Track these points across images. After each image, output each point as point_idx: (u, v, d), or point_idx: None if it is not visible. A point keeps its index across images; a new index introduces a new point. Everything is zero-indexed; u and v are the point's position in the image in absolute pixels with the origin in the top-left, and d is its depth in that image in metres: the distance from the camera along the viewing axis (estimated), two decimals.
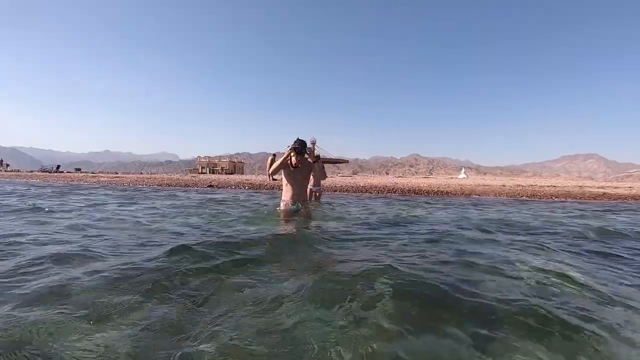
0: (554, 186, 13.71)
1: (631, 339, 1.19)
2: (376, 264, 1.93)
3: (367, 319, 1.28)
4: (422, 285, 1.61)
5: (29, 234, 2.67)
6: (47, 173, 21.03)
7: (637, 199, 9.56)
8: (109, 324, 1.24)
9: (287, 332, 1.19)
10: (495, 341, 1.16)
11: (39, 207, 4.35)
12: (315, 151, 4.49)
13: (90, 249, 2.21)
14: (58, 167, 26.95)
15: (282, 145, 3.44)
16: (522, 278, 1.78)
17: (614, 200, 9.49)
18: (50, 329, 1.17)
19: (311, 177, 4.43)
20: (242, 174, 35.30)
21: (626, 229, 3.58)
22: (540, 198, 9.73)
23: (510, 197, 9.83)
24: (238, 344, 1.11)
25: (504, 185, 13.47)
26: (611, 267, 2.18)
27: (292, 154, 3.30)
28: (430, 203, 7.11)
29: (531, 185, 14.64)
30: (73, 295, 1.45)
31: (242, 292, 1.55)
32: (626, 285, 1.81)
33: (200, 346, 1.09)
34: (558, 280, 1.74)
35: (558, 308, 1.39)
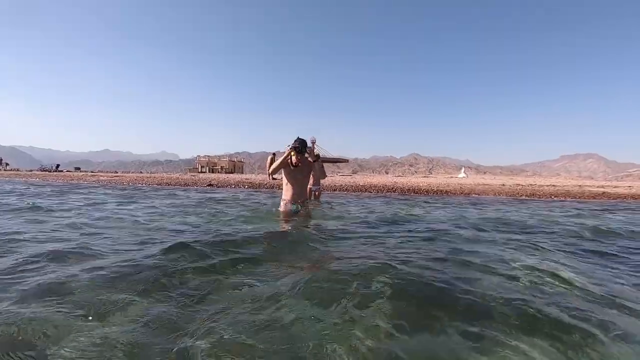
0: (554, 185, 13.71)
1: (622, 338, 1.20)
2: (373, 262, 1.94)
3: (364, 316, 1.29)
4: (418, 284, 1.63)
5: (27, 233, 2.68)
6: (47, 172, 21.04)
7: (636, 198, 9.55)
8: (107, 320, 1.25)
9: (284, 329, 1.20)
10: (488, 339, 1.17)
11: (38, 206, 4.36)
12: (315, 150, 4.50)
13: (88, 247, 2.22)
14: (57, 166, 26.96)
15: (282, 145, 3.44)
16: (516, 277, 1.80)
17: (613, 199, 9.48)
18: (48, 325, 1.18)
19: (311, 176, 4.44)
20: (242, 173, 35.33)
21: (620, 228, 3.59)
22: (540, 197, 9.73)
23: (510, 196, 9.82)
24: (235, 340, 1.12)
25: (503, 185, 13.47)
26: (604, 265, 2.20)
27: (292, 153, 3.30)
28: (429, 202, 7.11)
29: (531, 184, 14.65)
30: (71, 293, 1.46)
31: (240, 289, 1.56)
32: (619, 284, 1.83)
33: (197, 342, 1.10)
34: (551, 280, 1.76)
35: (549, 306, 1.41)
